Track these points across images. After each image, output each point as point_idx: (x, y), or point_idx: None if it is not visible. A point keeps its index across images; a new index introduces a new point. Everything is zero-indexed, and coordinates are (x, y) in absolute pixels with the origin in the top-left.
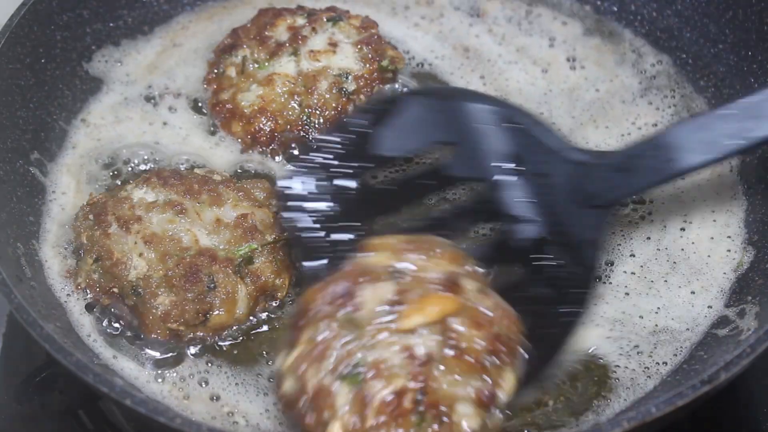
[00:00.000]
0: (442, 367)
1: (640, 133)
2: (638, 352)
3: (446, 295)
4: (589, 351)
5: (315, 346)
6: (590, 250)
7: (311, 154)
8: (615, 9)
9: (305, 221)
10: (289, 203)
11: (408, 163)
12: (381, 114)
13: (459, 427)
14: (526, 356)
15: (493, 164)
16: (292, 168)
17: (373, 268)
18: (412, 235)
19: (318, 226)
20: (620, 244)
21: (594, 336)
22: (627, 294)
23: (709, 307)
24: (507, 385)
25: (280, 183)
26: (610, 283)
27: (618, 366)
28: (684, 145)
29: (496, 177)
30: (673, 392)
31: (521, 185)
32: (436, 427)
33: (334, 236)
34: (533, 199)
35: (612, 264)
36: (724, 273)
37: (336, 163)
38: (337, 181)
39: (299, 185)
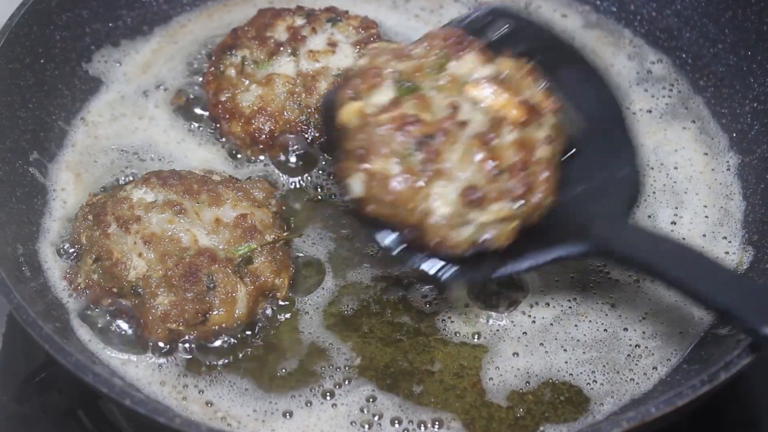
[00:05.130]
0: (464, 140)
1: (635, 118)
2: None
3: (521, 105)
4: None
5: (401, 49)
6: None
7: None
8: (614, 9)
9: None
10: None
11: None
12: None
13: (428, 199)
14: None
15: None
16: None
17: (497, 60)
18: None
19: None
20: None
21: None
22: (612, 305)
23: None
24: (496, 211)
25: None
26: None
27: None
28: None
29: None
30: (673, 392)
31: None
32: (418, 167)
33: None
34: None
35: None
36: None
37: None
38: None
39: None
